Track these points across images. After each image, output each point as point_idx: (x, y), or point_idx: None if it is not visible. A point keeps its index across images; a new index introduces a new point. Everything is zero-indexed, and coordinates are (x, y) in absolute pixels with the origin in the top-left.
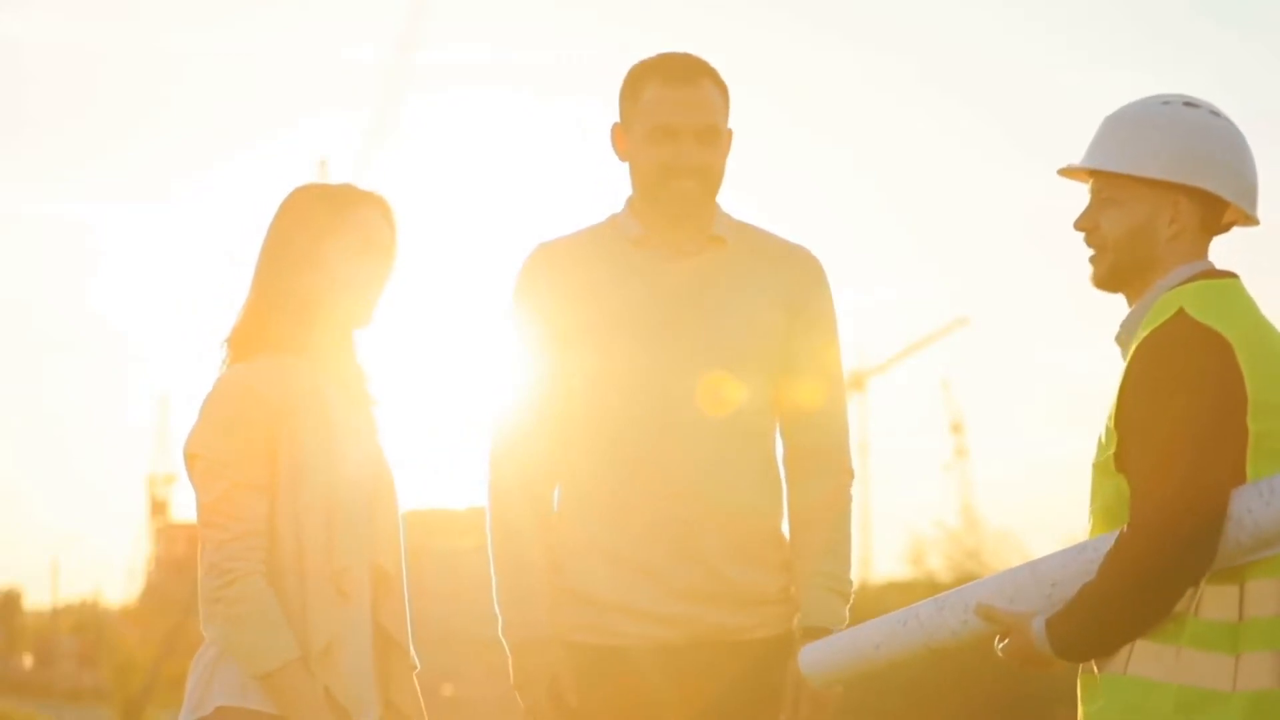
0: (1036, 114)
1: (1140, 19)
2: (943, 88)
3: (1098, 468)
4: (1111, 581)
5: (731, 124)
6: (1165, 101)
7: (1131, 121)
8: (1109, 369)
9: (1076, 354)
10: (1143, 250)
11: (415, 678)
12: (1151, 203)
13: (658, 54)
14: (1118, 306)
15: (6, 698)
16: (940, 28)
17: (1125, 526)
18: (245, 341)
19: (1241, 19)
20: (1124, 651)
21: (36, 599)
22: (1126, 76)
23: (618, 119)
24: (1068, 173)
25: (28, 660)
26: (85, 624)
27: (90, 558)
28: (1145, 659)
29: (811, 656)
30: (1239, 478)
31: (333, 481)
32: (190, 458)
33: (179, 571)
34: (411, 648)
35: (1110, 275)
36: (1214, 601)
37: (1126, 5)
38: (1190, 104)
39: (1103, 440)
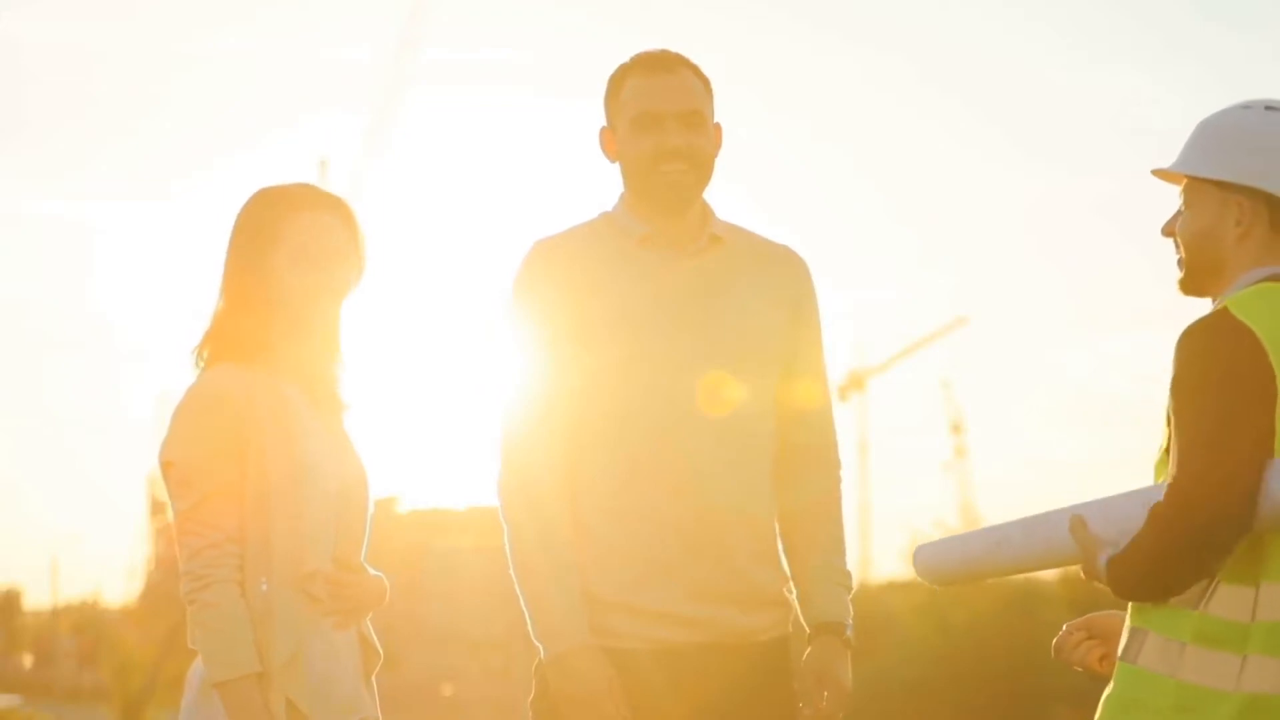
0: (1036, 114)
1: (1140, 19)
2: (943, 88)
3: (1156, 466)
4: (1140, 549)
5: (731, 124)
6: (1246, 106)
7: (1206, 125)
8: (1109, 369)
9: (1076, 354)
10: (1211, 252)
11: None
12: (1217, 204)
13: (635, 54)
14: (1119, 308)
15: (6, 697)
16: (940, 28)
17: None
18: (212, 348)
19: (1241, 19)
20: (1137, 640)
21: (36, 599)
22: (1126, 76)
23: (604, 124)
24: (1161, 175)
25: (28, 660)
26: (85, 624)
27: (90, 558)
28: (1153, 651)
29: (925, 555)
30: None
31: (301, 488)
32: (165, 465)
33: (179, 571)
34: (374, 637)
35: (1187, 279)
36: (1227, 599)
37: (1126, 5)
38: (1272, 107)
39: (1162, 440)
